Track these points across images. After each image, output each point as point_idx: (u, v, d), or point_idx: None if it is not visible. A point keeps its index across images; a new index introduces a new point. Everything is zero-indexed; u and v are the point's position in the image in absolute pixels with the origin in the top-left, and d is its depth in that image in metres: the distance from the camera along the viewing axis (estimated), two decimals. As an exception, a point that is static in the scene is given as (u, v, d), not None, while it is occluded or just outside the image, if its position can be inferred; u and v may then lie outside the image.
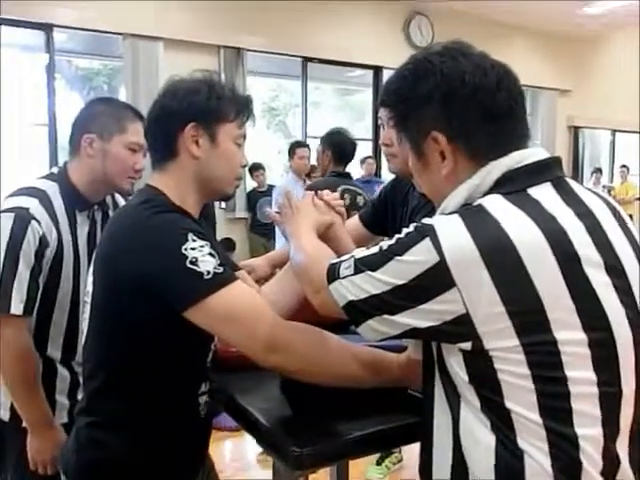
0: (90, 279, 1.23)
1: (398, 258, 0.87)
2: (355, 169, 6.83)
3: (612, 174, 10.09)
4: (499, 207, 0.85)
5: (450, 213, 0.89)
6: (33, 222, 1.47)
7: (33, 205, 1.50)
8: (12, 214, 1.47)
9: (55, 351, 1.61)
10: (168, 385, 1.17)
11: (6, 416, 1.58)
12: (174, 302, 1.08)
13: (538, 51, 8.21)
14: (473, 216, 0.85)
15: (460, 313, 0.82)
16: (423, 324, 0.86)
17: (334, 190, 2.81)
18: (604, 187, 9.12)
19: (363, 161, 6.80)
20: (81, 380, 1.58)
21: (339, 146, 3.40)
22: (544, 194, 0.87)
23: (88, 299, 1.22)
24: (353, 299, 0.92)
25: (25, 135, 5.86)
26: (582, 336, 0.82)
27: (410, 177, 1.65)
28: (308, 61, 6.96)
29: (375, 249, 0.93)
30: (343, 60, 7.11)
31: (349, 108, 9.44)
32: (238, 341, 1.10)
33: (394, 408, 1.13)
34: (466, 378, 0.86)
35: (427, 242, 0.84)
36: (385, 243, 0.91)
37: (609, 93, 9.00)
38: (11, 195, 1.55)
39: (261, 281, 1.52)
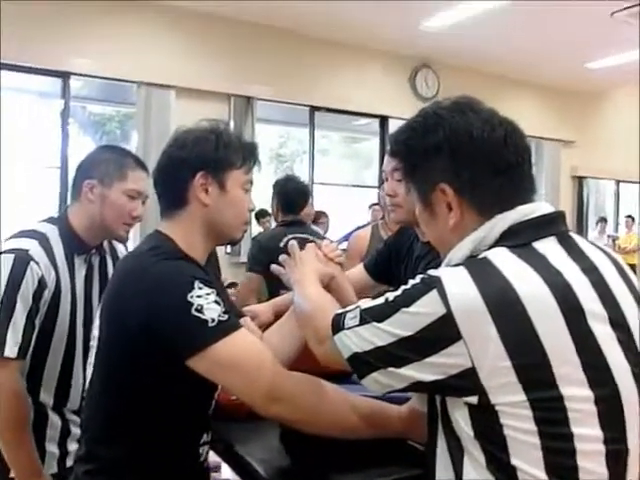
0: (96, 323, 1.23)
1: (405, 310, 0.86)
2: (362, 215, 6.90)
3: (617, 224, 10.10)
4: (504, 260, 0.85)
5: (455, 265, 0.89)
6: (32, 263, 1.48)
7: (33, 247, 1.51)
8: (12, 255, 1.48)
9: (47, 397, 1.58)
10: (168, 434, 1.16)
11: None
12: (178, 350, 1.08)
13: (542, 104, 8.35)
14: (479, 268, 0.85)
15: (466, 367, 0.82)
16: (428, 377, 0.85)
17: (280, 240, 2.84)
18: (609, 236, 9.13)
19: (370, 207, 6.85)
20: (72, 428, 1.61)
21: (286, 195, 3.21)
22: (549, 248, 0.88)
23: (94, 343, 1.22)
24: (358, 351, 0.91)
25: (38, 177, 5.95)
26: (588, 392, 0.81)
27: (414, 226, 1.68)
28: (316, 110, 7.09)
29: (381, 300, 0.92)
30: (350, 109, 7.24)
31: (356, 156, 9.56)
32: (239, 390, 1.10)
33: (394, 460, 1.13)
34: (471, 433, 0.84)
35: (434, 294, 0.84)
36: (391, 294, 0.91)
37: (612, 144, 9.09)
38: (12, 237, 1.57)
39: (264, 327, 1.53)
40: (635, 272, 1.05)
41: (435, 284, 0.85)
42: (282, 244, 2.87)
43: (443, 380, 0.84)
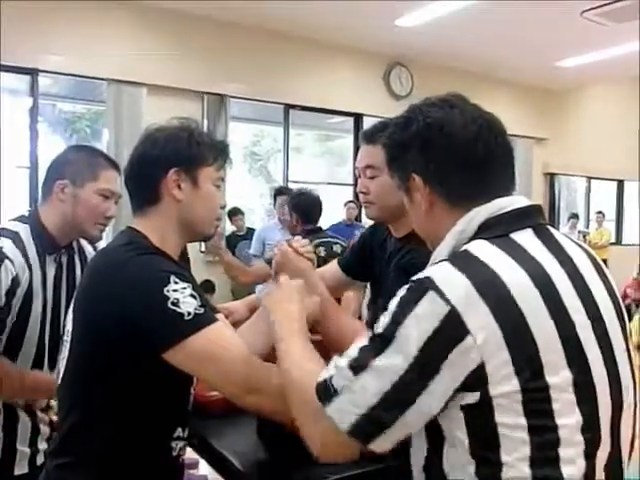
0: (70, 317, 1.23)
1: (403, 325, 0.82)
2: (337, 213, 6.91)
3: (588, 220, 10.29)
4: (486, 251, 0.87)
5: (439, 262, 0.89)
6: (7, 262, 1.48)
7: (7, 245, 1.51)
8: None
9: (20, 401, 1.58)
10: (141, 426, 1.16)
11: None
12: (154, 343, 1.08)
13: (515, 101, 8.46)
14: (462, 261, 0.86)
15: (477, 363, 0.80)
16: (442, 398, 0.81)
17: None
18: (579, 232, 9.30)
19: (345, 205, 6.87)
20: (41, 427, 1.62)
21: (306, 209, 3.59)
22: (526, 239, 0.90)
23: (67, 338, 1.22)
24: (362, 412, 0.82)
25: (6, 177, 5.84)
26: (569, 381, 0.82)
27: (387, 223, 1.69)
28: (290, 108, 7.09)
29: (363, 341, 0.86)
30: (324, 107, 7.25)
31: (330, 154, 9.58)
32: (216, 382, 1.11)
33: (370, 452, 1.13)
34: (465, 438, 0.83)
35: (431, 295, 0.82)
36: (377, 326, 0.86)
37: (584, 142, 9.26)
38: None
39: (239, 324, 1.53)
40: (607, 267, 1.08)
41: (428, 285, 0.83)
42: (305, 241, 2.99)
43: (457, 390, 0.81)
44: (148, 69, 5.84)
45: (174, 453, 1.22)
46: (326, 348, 1.53)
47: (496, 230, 0.90)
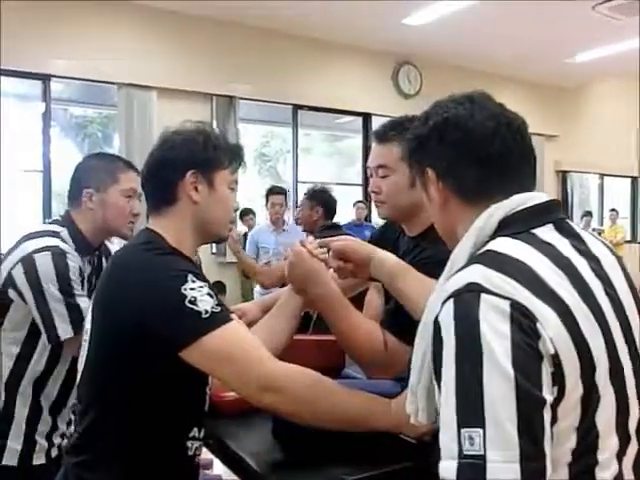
0: (89, 317, 1.24)
1: (483, 340, 0.74)
2: (347, 213, 6.91)
3: (602, 217, 10.21)
4: (512, 247, 0.85)
5: (463, 267, 0.85)
6: (69, 255, 1.60)
7: (60, 243, 1.62)
8: (48, 252, 1.57)
9: (46, 401, 1.67)
10: (157, 426, 1.17)
11: (14, 461, 1.62)
12: (172, 341, 1.09)
13: (525, 99, 8.41)
14: (492, 260, 0.83)
15: (551, 353, 0.75)
16: (549, 390, 0.75)
17: None
18: (594, 230, 9.23)
19: (354, 205, 6.86)
20: (59, 425, 1.71)
21: (330, 203, 3.81)
22: (548, 234, 0.88)
23: (86, 337, 1.23)
24: (517, 459, 0.71)
25: (20, 181, 5.89)
26: (606, 373, 0.81)
27: (399, 222, 1.69)
28: (299, 108, 7.09)
29: (448, 382, 0.75)
30: (333, 107, 7.25)
31: (339, 154, 9.57)
32: (233, 380, 1.11)
33: (386, 453, 1.13)
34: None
35: (487, 297, 0.77)
36: (447, 371, 0.76)
37: (596, 138, 9.19)
38: (29, 238, 1.63)
39: (252, 325, 1.53)
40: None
41: (474, 289, 0.78)
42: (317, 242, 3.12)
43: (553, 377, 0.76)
44: (157, 72, 5.88)
45: (190, 453, 1.23)
46: (340, 349, 1.54)
47: (517, 226, 0.88)
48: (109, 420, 1.16)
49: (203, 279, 1.15)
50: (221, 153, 1.29)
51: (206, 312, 1.09)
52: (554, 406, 0.75)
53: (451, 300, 0.79)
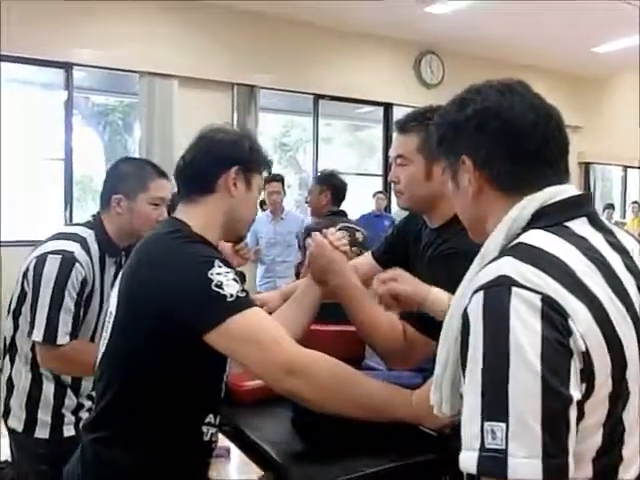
0: (113, 300, 1.26)
1: (511, 334, 0.73)
2: (367, 204, 6.89)
3: (624, 210, 10.06)
4: (544, 240, 0.83)
5: (494, 260, 0.83)
6: (77, 264, 1.67)
7: (77, 249, 1.70)
8: (59, 256, 1.66)
9: (66, 380, 1.80)
10: (173, 409, 1.19)
11: (20, 428, 1.76)
12: (197, 324, 1.11)
13: (549, 89, 8.17)
14: (524, 253, 0.81)
15: (581, 351, 0.74)
16: (577, 388, 0.73)
17: (333, 226, 2.94)
18: (616, 223, 9.10)
19: (374, 196, 6.84)
20: (84, 402, 1.83)
21: (339, 187, 3.73)
22: (581, 228, 0.87)
23: (110, 319, 1.26)
24: (539, 454, 0.70)
25: (41, 169, 5.96)
26: (637, 375, 0.79)
27: (419, 213, 1.67)
28: (319, 98, 7.07)
29: (476, 375, 0.74)
30: (354, 97, 7.21)
31: (359, 144, 9.53)
32: (256, 363, 1.12)
33: (406, 445, 1.12)
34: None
35: (517, 290, 0.75)
36: (474, 363, 0.75)
37: (620, 130, 9.04)
38: (54, 238, 1.75)
39: (271, 314, 1.54)
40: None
41: (505, 283, 0.76)
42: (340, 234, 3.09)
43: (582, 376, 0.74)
44: (179, 61, 5.88)
45: (205, 438, 1.24)
46: (360, 339, 1.53)
47: (551, 218, 0.87)
48: (128, 400, 1.19)
49: (229, 266, 1.17)
50: (260, 158, 1.37)
51: (231, 296, 1.11)
52: (581, 402, 0.74)
53: (481, 292, 0.78)
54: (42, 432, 1.76)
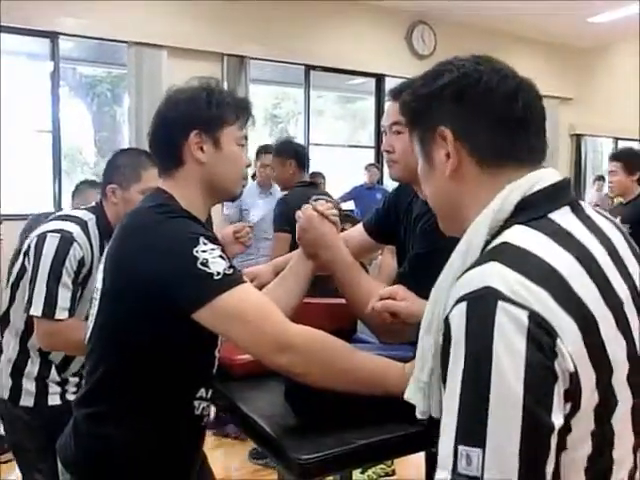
0: (100, 276, 1.25)
1: (494, 356, 0.69)
2: (358, 176, 6.86)
3: (614, 182, 10.08)
4: (531, 240, 0.79)
5: (478, 262, 0.79)
6: (75, 244, 1.75)
7: (76, 231, 1.78)
8: (58, 235, 1.75)
9: (55, 358, 1.89)
10: (164, 384, 1.19)
11: (6, 395, 1.85)
12: (184, 302, 1.10)
13: (540, 60, 8.23)
14: (511, 257, 0.76)
15: (570, 372, 0.71)
16: (560, 412, 0.70)
17: (308, 199, 2.92)
18: (605, 195, 9.12)
19: (366, 168, 6.81)
20: (68, 378, 1.89)
21: (301, 154, 3.50)
22: (565, 219, 0.83)
23: (97, 296, 1.25)
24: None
25: (28, 141, 5.88)
26: (625, 373, 0.77)
27: (411, 184, 1.66)
28: (311, 69, 6.98)
29: (453, 392, 0.71)
30: (346, 68, 7.13)
31: (351, 116, 9.46)
32: (247, 340, 1.12)
33: (398, 417, 1.13)
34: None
35: (504, 305, 0.71)
36: (453, 378, 0.72)
37: (611, 101, 9.00)
38: (57, 218, 1.85)
39: (263, 288, 1.54)
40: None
41: (490, 295, 0.72)
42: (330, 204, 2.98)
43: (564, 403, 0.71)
44: (168, 31, 5.78)
45: (197, 412, 1.25)
46: (351, 312, 1.54)
47: (534, 211, 0.82)
48: (118, 375, 1.19)
49: (215, 242, 1.15)
50: (226, 109, 1.26)
51: (218, 274, 1.09)
52: (567, 419, 0.71)
53: (464, 303, 0.73)
54: (27, 400, 1.84)
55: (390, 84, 7.13)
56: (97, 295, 1.25)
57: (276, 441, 1.09)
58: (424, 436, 1.07)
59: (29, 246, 1.77)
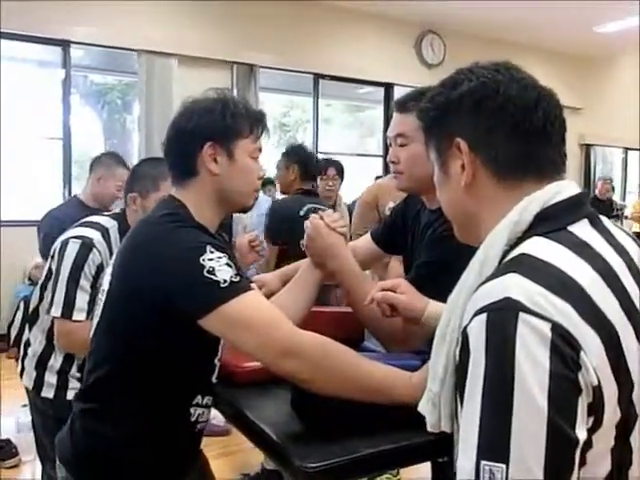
0: (107, 279, 1.27)
1: (516, 368, 0.67)
2: (367, 184, 6.85)
3: (624, 192, 10.03)
4: (552, 253, 0.77)
5: (496, 274, 0.77)
6: (95, 250, 1.84)
7: (96, 237, 1.87)
8: (79, 241, 1.84)
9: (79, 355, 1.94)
10: (162, 388, 1.20)
11: (30, 385, 1.97)
12: (191, 310, 1.10)
13: (550, 70, 8.22)
14: (530, 268, 0.74)
15: (593, 385, 0.69)
16: (583, 426, 0.69)
17: (299, 208, 2.87)
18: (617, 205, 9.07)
19: (376, 180, 6.81)
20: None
21: (306, 161, 3.31)
22: (584, 232, 0.82)
23: (102, 297, 1.26)
24: None
25: (40, 148, 5.93)
26: None
27: (418, 194, 1.67)
28: (320, 78, 7.01)
29: (473, 407, 0.69)
30: (354, 77, 7.15)
31: (359, 124, 9.47)
32: (253, 347, 1.12)
33: (405, 427, 1.13)
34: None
35: (525, 317, 0.69)
36: (472, 391, 0.70)
37: (620, 111, 8.98)
38: (80, 225, 1.93)
39: (271, 296, 1.54)
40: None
41: (512, 307, 0.70)
42: (302, 213, 2.92)
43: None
44: (178, 40, 5.83)
45: (192, 419, 1.26)
46: (358, 321, 1.54)
47: (553, 223, 0.81)
48: (117, 376, 1.20)
49: (222, 250, 1.15)
50: (241, 122, 1.27)
51: (224, 281, 1.10)
52: (589, 435, 0.70)
53: (484, 315, 0.71)
54: (48, 392, 1.95)
55: (399, 93, 7.14)
56: (103, 296, 1.27)
57: (282, 449, 1.08)
58: (432, 446, 1.07)
59: (54, 250, 1.89)
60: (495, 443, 0.67)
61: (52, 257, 1.91)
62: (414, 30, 7.39)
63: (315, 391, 1.12)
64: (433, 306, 1.32)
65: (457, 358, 0.76)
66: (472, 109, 0.86)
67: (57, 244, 1.90)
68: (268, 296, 1.54)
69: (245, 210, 1.38)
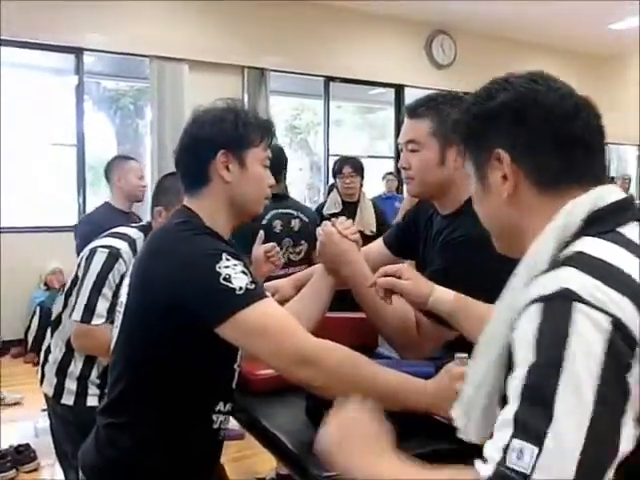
0: (125, 290, 1.28)
1: (566, 356, 0.66)
2: (377, 186, 6.85)
3: (639, 189, 9.94)
4: (606, 250, 0.76)
5: (551, 268, 0.76)
6: (120, 260, 1.90)
7: (123, 247, 1.93)
8: (107, 250, 1.91)
9: (100, 362, 1.98)
10: (184, 397, 1.21)
11: (51, 392, 1.99)
12: (207, 317, 1.12)
13: (562, 68, 8.15)
14: (588, 264, 0.73)
15: None
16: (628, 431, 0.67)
17: (262, 218, 2.76)
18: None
19: (384, 177, 6.81)
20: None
21: (274, 162, 3.03)
22: (635, 233, 0.80)
23: (121, 309, 1.28)
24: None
25: (53, 155, 5.98)
26: None
27: (430, 200, 1.66)
28: (330, 80, 7.02)
29: (517, 387, 0.68)
30: (365, 79, 7.15)
31: (370, 126, 9.47)
32: (268, 355, 1.13)
33: (421, 434, 1.13)
34: None
35: (582, 308, 0.68)
36: (521, 371, 0.69)
37: (635, 109, 8.90)
38: (108, 235, 2.00)
39: (285, 302, 1.55)
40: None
41: (570, 299, 0.68)
42: (265, 222, 2.75)
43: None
44: (189, 45, 5.87)
45: (215, 426, 1.27)
46: (372, 328, 1.54)
47: (603, 225, 0.79)
48: (139, 388, 1.21)
49: (238, 258, 1.17)
50: (252, 130, 1.29)
51: (240, 289, 1.11)
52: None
53: (539, 304, 0.70)
54: (68, 399, 1.97)
55: (410, 94, 7.13)
56: (121, 309, 1.28)
57: (297, 457, 1.09)
58: (449, 455, 1.07)
59: (82, 258, 1.96)
60: (532, 425, 0.66)
61: (79, 265, 1.96)
62: (424, 31, 7.37)
63: (329, 398, 1.12)
64: (439, 291, 1.32)
65: (505, 355, 0.75)
66: (512, 120, 0.84)
67: (85, 252, 1.96)
68: (281, 302, 1.56)
69: (255, 217, 1.39)
